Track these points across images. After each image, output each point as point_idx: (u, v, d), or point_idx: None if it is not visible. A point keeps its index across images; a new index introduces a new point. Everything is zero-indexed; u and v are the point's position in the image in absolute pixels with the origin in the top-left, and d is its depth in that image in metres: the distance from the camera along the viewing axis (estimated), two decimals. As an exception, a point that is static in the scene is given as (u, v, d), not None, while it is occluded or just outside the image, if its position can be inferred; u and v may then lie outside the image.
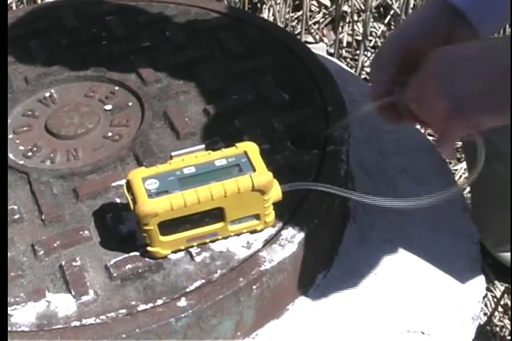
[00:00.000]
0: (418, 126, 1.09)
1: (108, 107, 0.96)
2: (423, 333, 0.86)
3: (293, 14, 1.86)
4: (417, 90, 0.71)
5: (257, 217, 0.77)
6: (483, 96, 0.65)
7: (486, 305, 1.36)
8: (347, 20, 1.86)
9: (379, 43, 1.82)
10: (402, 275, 0.92)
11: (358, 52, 1.77)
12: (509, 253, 1.38)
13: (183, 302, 0.73)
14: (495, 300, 1.38)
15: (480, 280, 0.94)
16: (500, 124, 0.67)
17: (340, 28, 1.77)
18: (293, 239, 0.79)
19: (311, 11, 1.89)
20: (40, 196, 0.84)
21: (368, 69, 1.80)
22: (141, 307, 0.73)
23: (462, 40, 0.77)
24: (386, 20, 1.86)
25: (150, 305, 0.73)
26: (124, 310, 0.73)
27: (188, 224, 0.74)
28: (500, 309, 1.34)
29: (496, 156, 1.08)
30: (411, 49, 0.75)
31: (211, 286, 0.74)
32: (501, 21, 0.80)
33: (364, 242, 0.92)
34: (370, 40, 1.83)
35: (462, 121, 0.68)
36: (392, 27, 1.86)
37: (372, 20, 1.79)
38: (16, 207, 0.83)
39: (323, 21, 1.89)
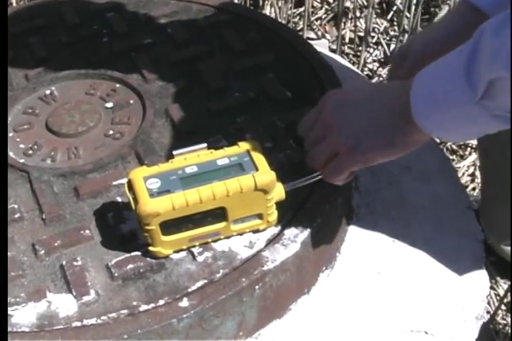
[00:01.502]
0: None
1: (109, 105, 0.96)
2: (426, 333, 0.86)
3: (295, 10, 1.85)
4: (316, 130, 0.78)
5: (260, 216, 0.76)
6: (372, 136, 0.72)
7: (489, 303, 1.36)
8: (349, 17, 1.85)
9: (381, 39, 1.81)
10: (406, 274, 0.91)
11: (360, 48, 1.77)
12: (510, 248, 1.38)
13: (185, 303, 0.72)
14: (498, 298, 1.37)
15: (484, 279, 0.93)
16: (392, 159, 0.73)
17: (342, 24, 1.76)
18: (296, 238, 0.78)
19: (313, 7, 1.88)
20: (41, 195, 0.84)
21: (370, 66, 1.79)
22: (143, 307, 0.73)
23: None
24: (389, 17, 1.85)
25: (152, 305, 0.73)
26: (125, 311, 0.72)
27: (190, 223, 0.74)
28: (503, 307, 1.34)
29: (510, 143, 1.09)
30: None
31: (213, 286, 0.74)
32: None
33: (367, 241, 0.92)
34: (373, 37, 1.82)
35: (358, 156, 0.74)
36: (395, 23, 1.85)
37: (374, 16, 1.78)
38: (16, 206, 0.83)
39: (325, 17, 1.89)
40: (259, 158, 0.75)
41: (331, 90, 0.82)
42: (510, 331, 1.32)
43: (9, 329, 0.71)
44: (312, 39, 1.82)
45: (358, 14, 1.82)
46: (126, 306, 0.73)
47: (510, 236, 1.31)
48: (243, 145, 0.76)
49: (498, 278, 1.41)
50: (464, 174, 1.58)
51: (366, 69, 1.77)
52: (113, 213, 0.81)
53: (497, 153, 1.22)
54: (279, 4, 1.76)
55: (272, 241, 0.78)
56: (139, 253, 0.77)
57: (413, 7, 1.66)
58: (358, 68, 1.70)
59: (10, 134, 0.93)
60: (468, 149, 1.64)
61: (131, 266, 0.76)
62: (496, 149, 1.22)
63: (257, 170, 0.74)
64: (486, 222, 1.18)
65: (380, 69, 1.77)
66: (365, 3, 1.79)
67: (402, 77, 0.81)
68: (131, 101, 0.96)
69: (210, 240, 0.77)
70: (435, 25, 0.87)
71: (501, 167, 1.20)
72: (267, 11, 1.81)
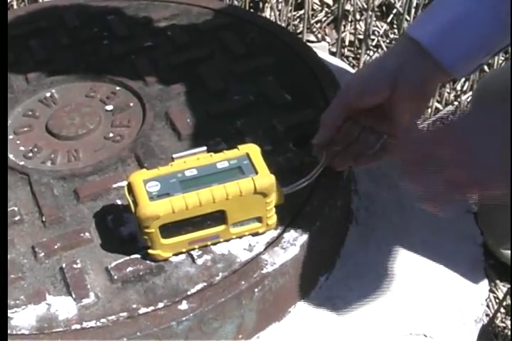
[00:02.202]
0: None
1: (109, 108, 0.96)
2: (425, 336, 0.86)
3: (295, 13, 1.85)
4: (421, 150, 0.66)
5: (259, 219, 0.77)
6: (502, 173, 0.62)
7: (488, 306, 1.36)
8: (349, 19, 1.85)
9: (381, 42, 1.81)
10: (405, 277, 0.91)
11: (360, 51, 1.77)
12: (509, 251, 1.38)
13: (184, 306, 0.73)
14: (497, 301, 1.37)
15: (483, 283, 0.94)
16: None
17: (342, 27, 1.76)
18: (295, 241, 0.78)
19: (313, 9, 1.88)
20: (41, 197, 0.84)
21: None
22: (142, 310, 0.73)
23: (435, 81, 0.77)
24: (388, 19, 1.85)
25: (151, 308, 0.73)
26: (125, 313, 0.73)
27: (190, 226, 0.74)
28: (502, 310, 1.34)
29: None
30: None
31: (213, 289, 0.74)
32: (477, 58, 0.76)
33: (366, 244, 0.92)
34: (373, 39, 1.82)
35: (474, 190, 0.64)
36: (395, 26, 1.85)
37: (374, 19, 1.78)
38: (16, 209, 0.83)
39: (325, 20, 1.89)
40: (258, 161, 0.75)
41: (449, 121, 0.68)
42: (509, 334, 1.32)
43: (9, 331, 0.71)
44: (312, 42, 1.82)
45: (357, 17, 1.82)
46: (125, 309, 0.73)
47: (510, 239, 1.31)
48: (243, 149, 0.76)
49: (498, 281, 1.40)
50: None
51: (366, 71, 1.76)
52: (113, 216, 0.81)
53: None
54: (279, 7, 1.76)
55: (271, 245, 0.78)
56: (138, 256, 0.77)
57: (413, 10, 1.67)
58: (357, 71, 1.70)
59: (10, 137, 0.93)
60: (468, 152, 1.63)
61: (130, 268, 0.76)
62: None
63: (256, 173, 0.74)
64: (485, 225, 1.18)
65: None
66: (365, 6, 1.79)
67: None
68: (131, 104, 0.96)
69: (209, 243, 0.77)
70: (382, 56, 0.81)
71: None
72: (266, 13, 1.81)
